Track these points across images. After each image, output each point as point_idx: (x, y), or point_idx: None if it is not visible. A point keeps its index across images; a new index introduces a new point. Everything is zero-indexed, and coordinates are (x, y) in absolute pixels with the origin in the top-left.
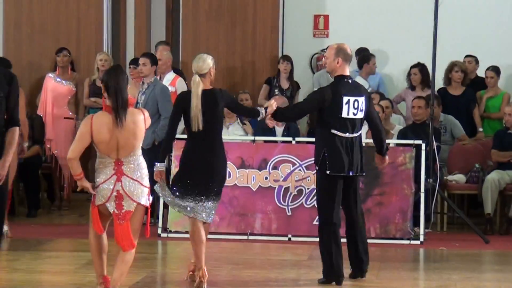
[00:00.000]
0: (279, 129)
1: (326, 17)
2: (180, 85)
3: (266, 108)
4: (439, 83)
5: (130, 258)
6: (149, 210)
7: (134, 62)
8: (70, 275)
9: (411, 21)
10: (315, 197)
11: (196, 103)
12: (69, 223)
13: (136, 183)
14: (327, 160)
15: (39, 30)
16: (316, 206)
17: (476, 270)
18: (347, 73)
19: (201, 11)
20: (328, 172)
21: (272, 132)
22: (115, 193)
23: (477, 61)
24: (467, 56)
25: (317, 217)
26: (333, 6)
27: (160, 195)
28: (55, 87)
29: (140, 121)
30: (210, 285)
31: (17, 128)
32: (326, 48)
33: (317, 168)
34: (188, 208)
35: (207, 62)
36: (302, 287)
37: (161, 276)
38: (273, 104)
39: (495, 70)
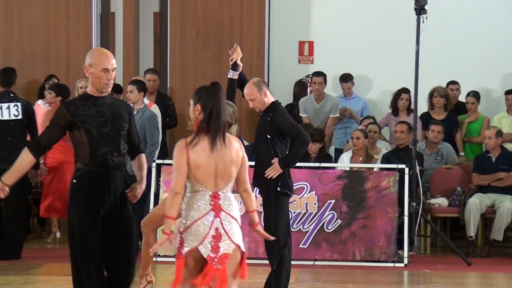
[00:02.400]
0: None
1: (311, 44)
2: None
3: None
4: (424, 108)
5: None
6: (244, 256)
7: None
8: None
9: (394, 48)
10: (271, 219)
11: None
12: (60, 248)
13: (234, 222)
14: (288, 180)
15: (28, 58)
16: (279, 230)
17: None
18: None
19: (189, 39)
20: (289, 193)
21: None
22: (213, 232)
23: (459, 87)
24: (450, 82)
25: (303, 240)
26: (318, 33)
27: None
28: (44, 114)
29: (238, 149)
30: None
31: (143, 154)
32: (311, 74)
33: (278, 189)
34: None
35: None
36: None
37: None
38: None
39: (475, 95)
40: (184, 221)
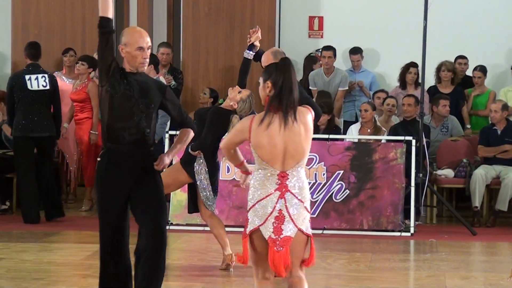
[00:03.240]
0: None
1: (320, 19)
2: None
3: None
4: (431, 81)
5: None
6: (311, 240)
7: None
8: (76, 265)
9: (403, 22)
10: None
11: None
12: (75, 216)
13: (301, 205)
14: None
15: (46, 31)
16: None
17: (464, 261)
18: None
19: (201, 13)
20: None
21: None
22: (276, 213)
23: (467, 62)
24: (458, 57)
25: (312, 209)
26: (328, 8)
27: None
28: (61, 86)
29: (310, 121)
30: (209, 275)
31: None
32: (321, 49)
33: None
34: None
35: None
36: None
37: None
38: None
39: (482, 69)
40: (250, 198)
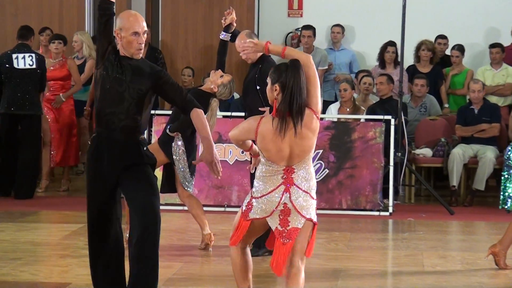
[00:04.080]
0: None
1: None
2: None
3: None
4: (410, 61)
5: (302, 282)
6: (315, 227)
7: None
8: (54, 245)
9: (383, 1)
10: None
11: None
12: (52, 196)
13: (306, 196)
14: None
15: (22, 10)
16: None
17: (442, 240)
18: None
19: None
20: None
21: None
22: (281, 207)
23: (447, 42)
24: (438, 36)
25: None
26: None
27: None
28: None
29: (316, 125)
30: (188, 255)
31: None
32: (300, 28)
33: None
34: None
35: None
36: None
37: None
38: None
39: (460, 49)
40: (255, 189)
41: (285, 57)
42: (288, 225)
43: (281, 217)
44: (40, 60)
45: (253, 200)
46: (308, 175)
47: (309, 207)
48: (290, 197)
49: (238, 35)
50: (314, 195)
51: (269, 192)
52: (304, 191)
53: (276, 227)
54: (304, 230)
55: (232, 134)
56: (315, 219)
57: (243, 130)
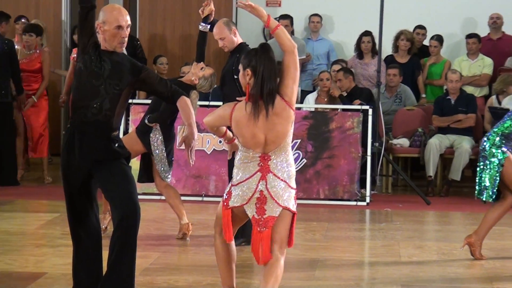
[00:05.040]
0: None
1: None
2: None
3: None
4: (388, 51)
5: (280, 272)
6: (295, 217)
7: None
8: (29, 234)
9: None
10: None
11: None
12: (28, 185)
13: (283, 184)
14: None
15: None
16: None
17: (418, 230)
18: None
19: None
20: None
21: None
22: (257, 195)
23: (426, 32)
24: (417, 27)
25: None
26: None
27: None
28: None
29: (287, 108)
30: (166, 244)
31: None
32: (278, 17)
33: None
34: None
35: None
36: None
37: None
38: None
39: (439, 39)
40: (234, 177)
41: (274, 35)
42: (265, 214)
43: (257, 205)
44: (10, 44)
45: (232, 188)
46: (286, 164)
47: (287, 196)
48: (266, 184)
49: (216, 25)
50: (293, 184)
51: (246, 179)
52: (281, 179)
53: (253, 215)
54: (282, 219)
55: (206, 120)
56: (293, 208)
57: (217, 117)
